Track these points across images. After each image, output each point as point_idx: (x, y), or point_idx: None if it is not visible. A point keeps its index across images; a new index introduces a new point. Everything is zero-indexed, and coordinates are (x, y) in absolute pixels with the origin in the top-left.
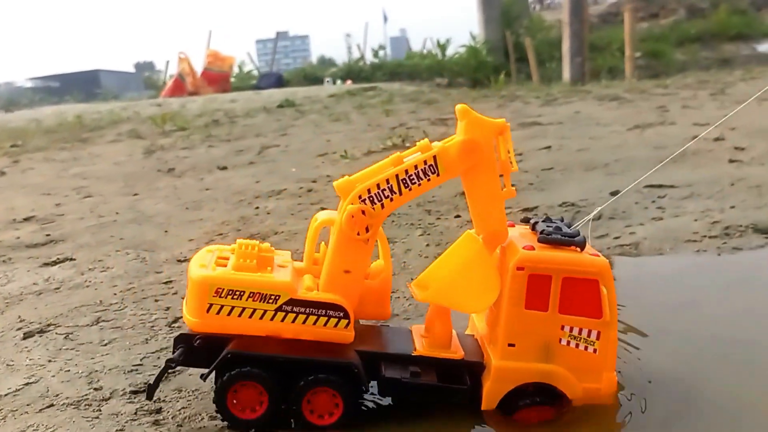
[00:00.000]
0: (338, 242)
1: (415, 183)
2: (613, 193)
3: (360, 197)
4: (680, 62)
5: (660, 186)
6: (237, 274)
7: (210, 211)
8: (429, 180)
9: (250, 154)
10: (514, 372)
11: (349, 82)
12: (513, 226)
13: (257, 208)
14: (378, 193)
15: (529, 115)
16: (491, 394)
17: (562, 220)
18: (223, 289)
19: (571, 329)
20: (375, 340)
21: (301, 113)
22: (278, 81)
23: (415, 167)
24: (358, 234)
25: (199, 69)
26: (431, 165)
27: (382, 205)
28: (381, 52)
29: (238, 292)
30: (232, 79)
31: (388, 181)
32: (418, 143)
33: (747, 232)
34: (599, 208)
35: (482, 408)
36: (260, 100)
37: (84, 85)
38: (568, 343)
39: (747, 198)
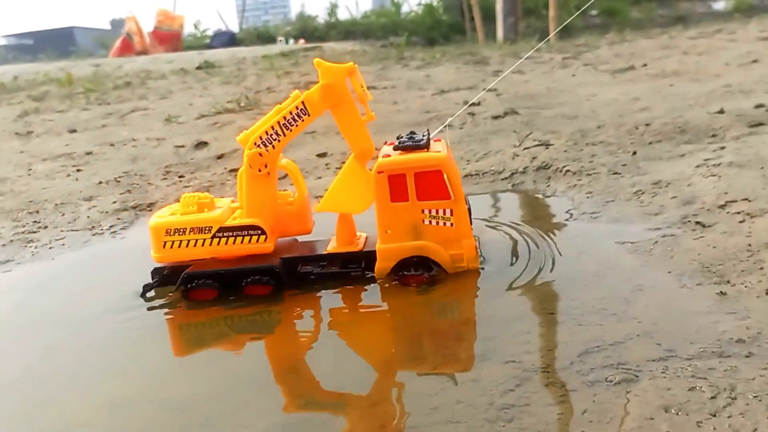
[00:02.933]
0: (247, 180)
1: (293, 125)
2: (320, 155)
3: (255, 144)
4: (636, 20)
5: None
6: (179, 217)
7: None
8: (303, 120)
9: (113, 118)
10: (394, 251)
11: (301, 41)
12: (393, 144)
13: (30, 170)
14: (267, 138)
15: (386, 78)
16: (380, 270)
17: (427, 132)
18: (171, 229)
19: (430, 211)
20: (299, 249)
21: (209, 75)
22: (230, 40)
23: (290, 113)
24: (260, 170)
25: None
26: (302, 109)
27: (273, 146)
28: (337, 11)
29: (181, 229)
30: (190, 38)
31: (273, 128)
32: (290, 95)
33: None
34: (451, 118)
35: (376, 278)
36: (195, 61)
37: (58, 42)
38: (430, 222)
39: None
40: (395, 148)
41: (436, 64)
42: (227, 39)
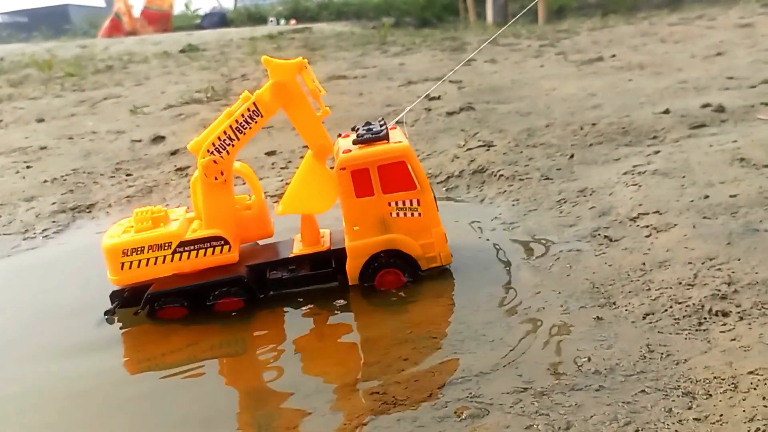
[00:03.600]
0: (204, 190)
1: (246, 128)
2: (269, 154)
3: (208, 151)
4: (631, 0)
5: None
6: (135, 235)
7: None
8: (256, 122)
9: (84, 106)
10: (363, 247)
11: (293, 21)
12: (348, 136)
13: None
14: (221, 144)
15: (361, 66)
16: (351, 269)
17: (382, 121)
18: (128, 249)
19: (397, 203)
20: (264, 254)
21: (191, 59)
22: (221, 20)
23: (242, 116)
24: (216, 179)
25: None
26: (254, 110)
27: (228, 152)
28: None
29: (139, 248)
30: (183, 17)
31: (225, 133)
32: (240, 96)
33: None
34: (409, 108)
35: (350, 283)
36: (182, 42)
37: (53, 20)
38: (398, 214)
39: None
40: (354, 142)
41: (415, 51)
42: (218, 19)
